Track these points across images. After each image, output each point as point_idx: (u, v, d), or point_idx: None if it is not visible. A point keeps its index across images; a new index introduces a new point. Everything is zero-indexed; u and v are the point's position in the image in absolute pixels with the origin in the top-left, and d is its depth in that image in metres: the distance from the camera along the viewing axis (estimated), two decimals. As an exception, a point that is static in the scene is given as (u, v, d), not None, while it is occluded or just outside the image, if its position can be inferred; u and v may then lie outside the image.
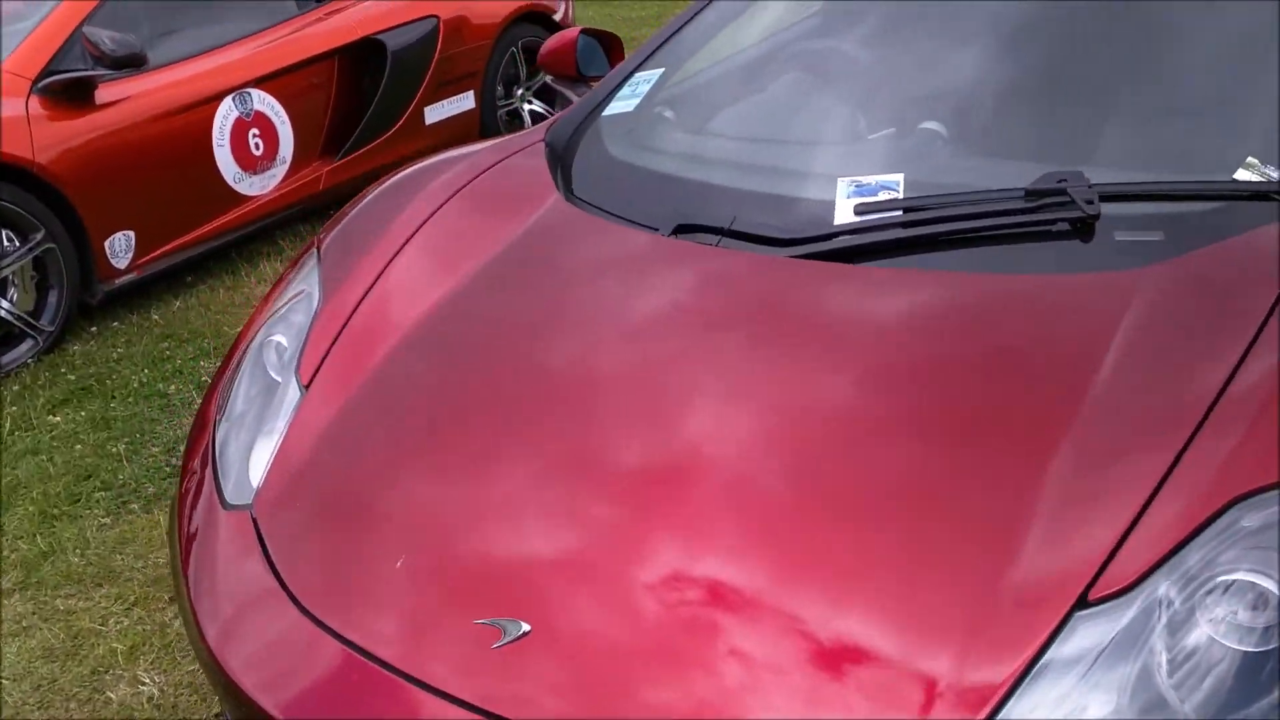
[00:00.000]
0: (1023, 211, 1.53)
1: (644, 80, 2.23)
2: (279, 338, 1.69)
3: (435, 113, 4.56)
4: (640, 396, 1.42)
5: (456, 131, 4.69)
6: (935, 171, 1.74)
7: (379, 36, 4.27)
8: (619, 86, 2.25)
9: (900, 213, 1.60)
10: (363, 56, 4.27)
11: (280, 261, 3.94)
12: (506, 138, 2.26)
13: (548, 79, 2.71)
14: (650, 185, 1.90)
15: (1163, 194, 1.53)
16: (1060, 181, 1.53)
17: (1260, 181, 1.50)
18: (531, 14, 4.96)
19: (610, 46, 2.66)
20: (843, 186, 1.69)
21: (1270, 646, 0.99)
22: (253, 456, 1.51)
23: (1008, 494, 1.16)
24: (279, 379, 1.63)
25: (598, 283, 1.67)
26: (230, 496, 1.46)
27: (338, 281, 1.73)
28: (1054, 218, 1.51)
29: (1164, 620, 1.02)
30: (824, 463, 1.27)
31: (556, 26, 5.13)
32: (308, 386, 1.56)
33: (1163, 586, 1.03)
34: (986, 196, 1.57)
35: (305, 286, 1.77)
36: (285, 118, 4.00)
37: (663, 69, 2.24)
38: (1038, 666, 1.01)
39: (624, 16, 9.27)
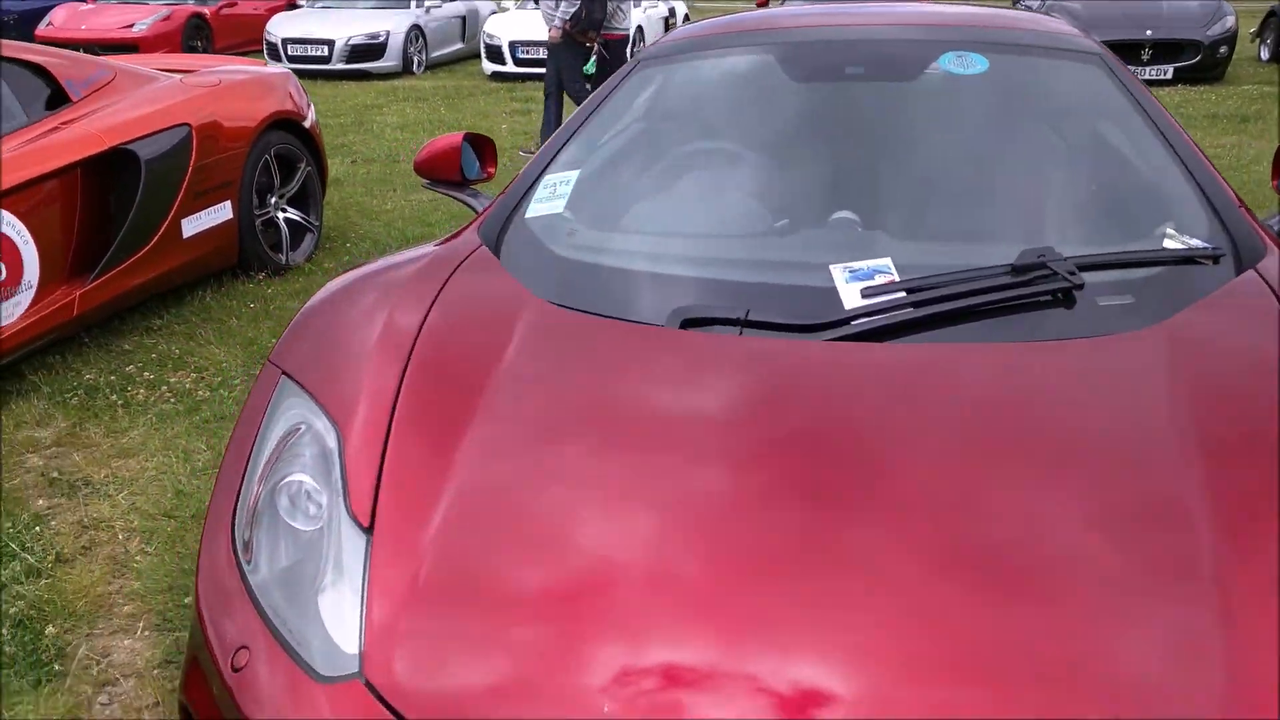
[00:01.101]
0: (1015, 285, 1.71)
1: (561, 181, 2.24)
2: (299, 478, 1.48)
3: (193, 224, 4.20)
4: (800, 484, 1.40)
5: (216, 243, 4.35)
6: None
7: (129, 146, 3.87)
8: (531, 189, 2.23)
9: (904, 294, 1.73)
10: (110, 168, 3.85)
11: (42, 400, 3.41)
12: (431, 245, 2.16)
13: (424, 183, 2.59)
14: (631, 283, 1.91)
15: (1126, 263, 1.78)
16: (1040, 256, 1.73)
17: (1187, 249, 1.80)
18: (282, 121, 4.73)
19: (484, 150, 2.64)
20: (838, 273, 1.81)
21: None
22: (325, 618, 1.30)
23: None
24: (316, 525, 1.42)
25: (648, 385, 1.64)
26: (322, 668, 1.24)
27: (346, 410, 1.56)
28: (1044, 289, 1.71)
29: None
30: (992, 508, 1.34)
31: (306, 133, 4.93)
32: (370, 529, 1.37)
33: None
34: (977, 274, 1.74)
35: (301, 419, 1.57)
36: (28, 236, 3.50)
37: (577, 170, 2.26)
38: None
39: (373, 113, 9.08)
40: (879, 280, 1.79)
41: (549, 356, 1.71)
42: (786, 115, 2.46)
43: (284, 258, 4.82)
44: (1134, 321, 1.67)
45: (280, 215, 4.84)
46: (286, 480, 1.49)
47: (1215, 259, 1.83)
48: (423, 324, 1.74)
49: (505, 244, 2.07)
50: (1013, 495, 1.36)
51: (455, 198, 2.59)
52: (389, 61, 12.53)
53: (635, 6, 11.65)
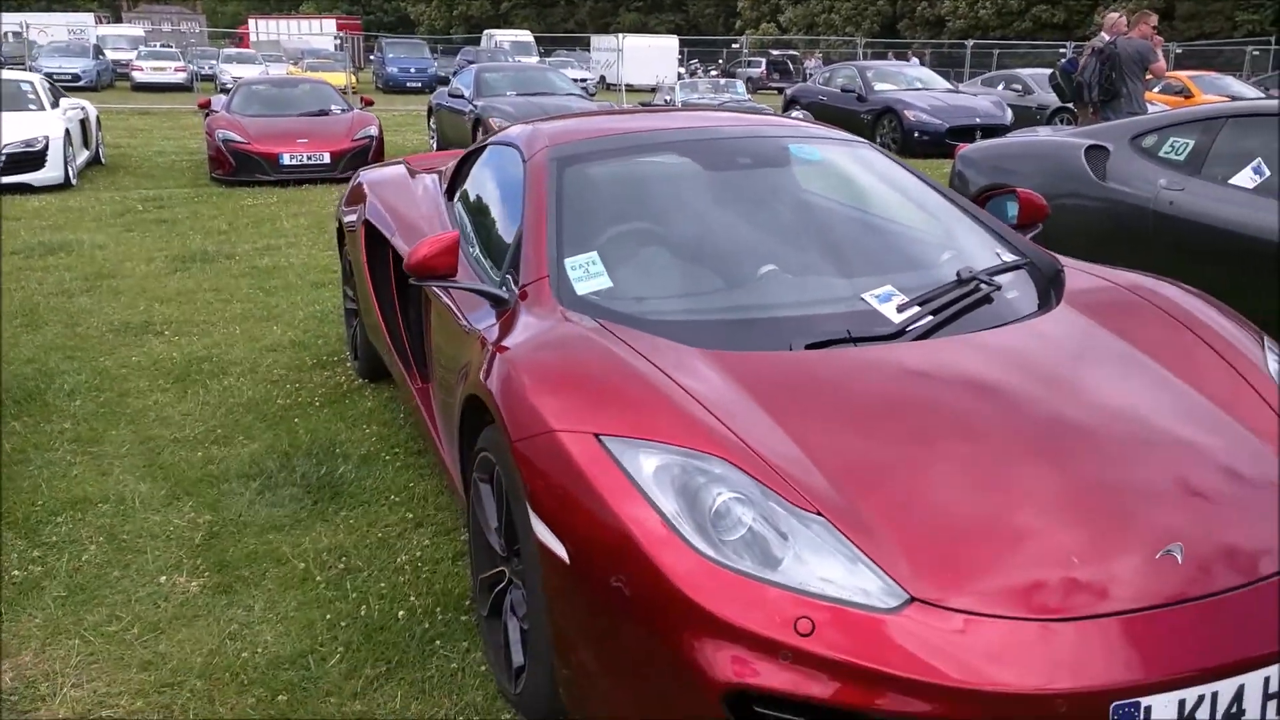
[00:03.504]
0: (971, 291, 2.60)
1: (588, 262, 2.69)
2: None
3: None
4: (1009, 431, 2.11)
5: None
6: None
7: None
8: (559, 277, 2.65)
9: (919, 306, 2.53)
10: None
11: None
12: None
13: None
14: (738, 325, 2.47)
15: (1000, 270, 2.74)
16: (968, 273, 2.64)
17: (1023, 259, 2.84)
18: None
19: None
20: (871, 299, 2.55)
21: None
22: None
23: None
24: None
25: (883, 386, 2.24)
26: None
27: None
28: (985, 292, 2.62)
29: None
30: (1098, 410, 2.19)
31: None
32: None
33: None
34: (948, 286, 2.60)
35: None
36: None
37: (591, 251, 2.72)
38: None
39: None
40: (897, 300, 2.56)
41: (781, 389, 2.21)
42: (708, 198, 3.14)
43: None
44: (1033, 304, 2.65)
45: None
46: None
47: (1037, 265, 2.90)
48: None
49: (611, 321, 2.43)
50: (1098, 403, 2.23)
51: (467, 289, 2.85)
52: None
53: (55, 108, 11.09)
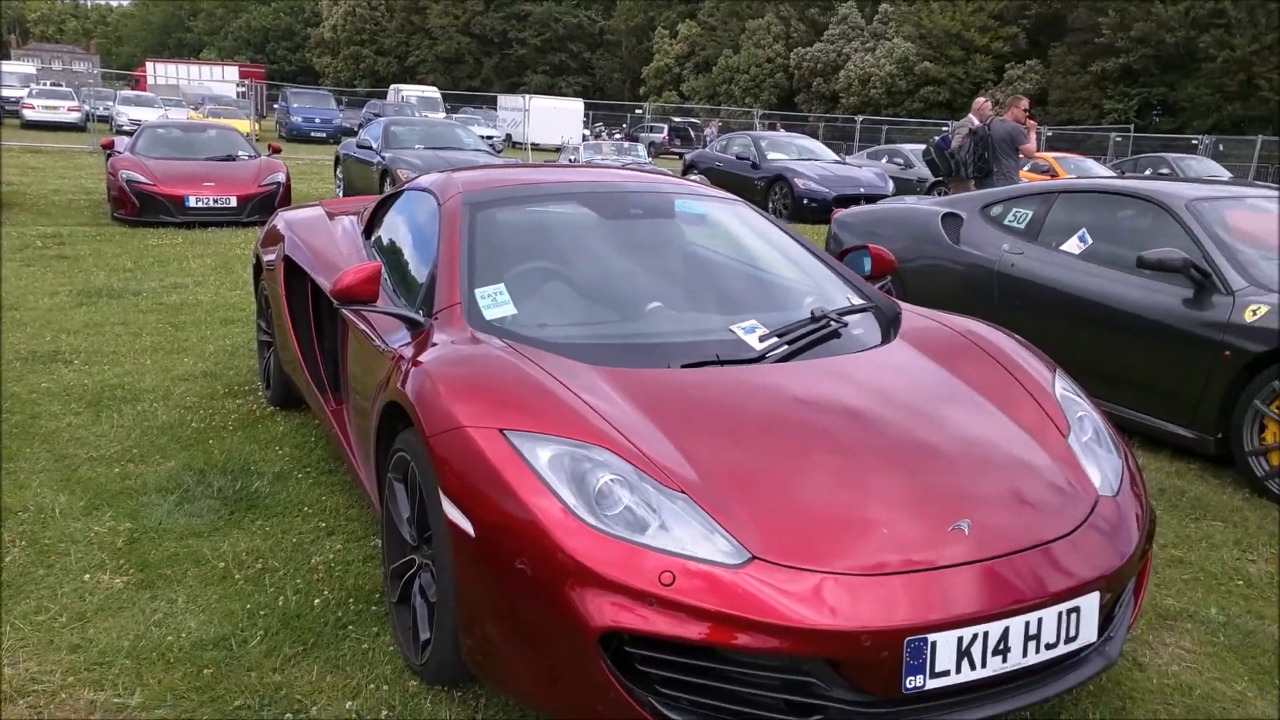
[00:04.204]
0: (824, 327, 3.08)
1: (495, 293, 3.08)
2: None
3: None
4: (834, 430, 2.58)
5: None
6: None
7: None
8: (471, 304, 3.04)
9: (776, 338, 3.00)
10: None
11: None
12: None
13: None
14: (627, 348, 2.87)
15: (849, 312, 3.24)
16: (820, 313, 3.13)
17: (867, 304, 3.35)
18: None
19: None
20: (738, 330, 2.99)
21: None
22: None
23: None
24: None
25: (740, 397, 2.68)
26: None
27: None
28: (834, 328, 3.10)
29: None
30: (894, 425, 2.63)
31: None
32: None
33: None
34: (803, 322, 3.07)
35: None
36: None
37: (499, 283, 3.12)
38: None
39: None
40: (759, 331, 3.01)
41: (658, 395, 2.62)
42: (603, 242, 3.57)
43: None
44: (875, 338, 3.15)
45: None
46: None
47: (880, 308, 3.41)
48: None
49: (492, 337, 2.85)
50: (913, 418, 2.71)
51: (387, 313, 3.20)
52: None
53: None
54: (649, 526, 2.18)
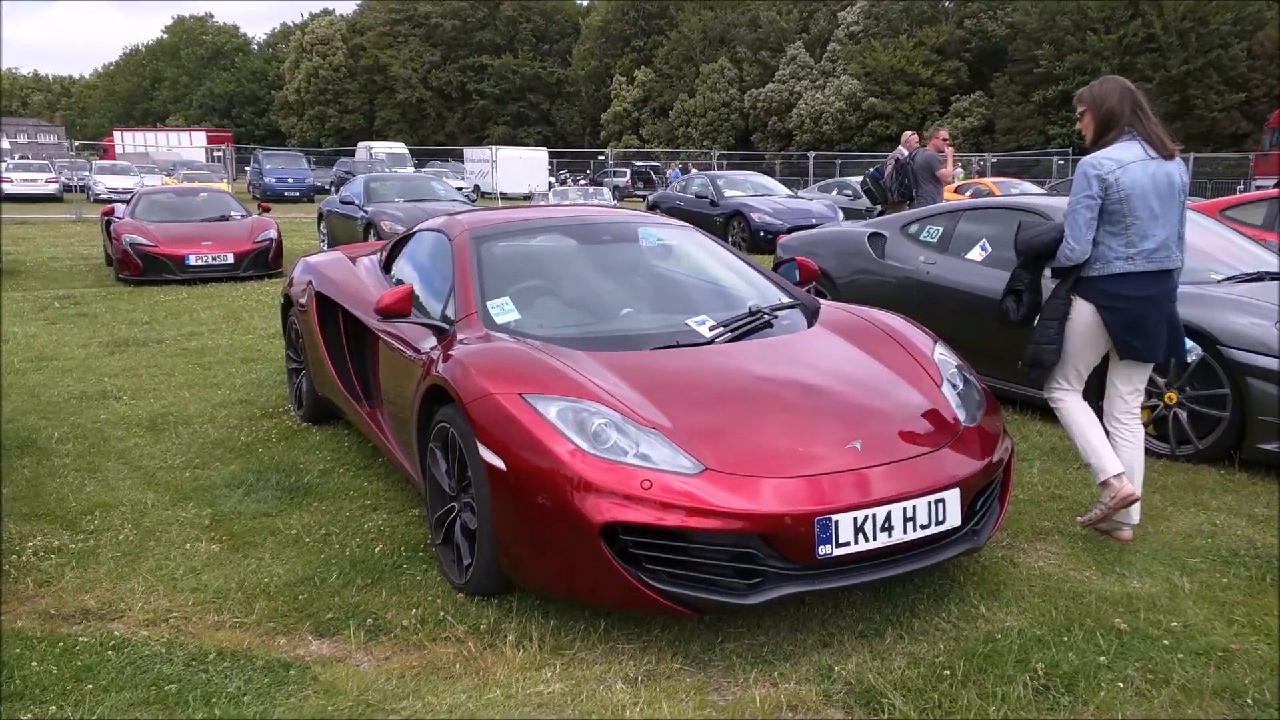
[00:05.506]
0: (760, 319, 4.00)
1: (503, 304, 3.98)
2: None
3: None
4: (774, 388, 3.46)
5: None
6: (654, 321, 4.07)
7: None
8: (485, 312, 3.94)
9: (723, 327, 3.91)
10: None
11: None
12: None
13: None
14: (608, 339, 3.77)
15: (779, 308, 4.18)
16: (755, 308, 4.06)
17: (794, 301, 4.29)
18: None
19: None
20: (693, 323, 3.91)
21: None
22: None
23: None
24: None
25: (704, 366, 3.59)
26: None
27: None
28: (767, 318, 4.02)
29: None
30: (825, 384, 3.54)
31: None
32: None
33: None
34: (743, 315, 3.99)
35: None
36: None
37: (505, 296, 4.02)
38: None
39: None
40: (710, 322, 3.93)
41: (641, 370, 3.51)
42: (583, 263, 4.49)
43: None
44: (800, 326, 4.07)
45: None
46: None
47: (804, 305, 4.33)
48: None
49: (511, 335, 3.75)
50: (824, 376, 3.63)
51: (418, 323, 4.08)
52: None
53: None
54: (631, 452, 3.06)
